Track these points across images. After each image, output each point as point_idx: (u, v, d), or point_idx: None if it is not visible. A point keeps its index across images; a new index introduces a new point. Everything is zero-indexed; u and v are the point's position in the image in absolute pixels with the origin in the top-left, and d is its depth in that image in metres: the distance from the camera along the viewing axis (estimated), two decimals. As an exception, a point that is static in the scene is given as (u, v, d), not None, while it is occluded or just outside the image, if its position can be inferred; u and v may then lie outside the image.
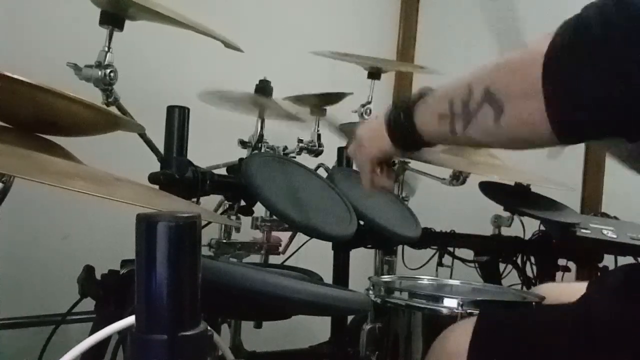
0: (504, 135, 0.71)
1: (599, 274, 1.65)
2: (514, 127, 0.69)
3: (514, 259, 1.83)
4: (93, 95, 1.08)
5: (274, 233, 1.47)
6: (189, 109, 1.18)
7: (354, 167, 1.45)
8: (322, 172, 1.51)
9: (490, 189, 1.80)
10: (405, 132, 0.85)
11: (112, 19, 1.16)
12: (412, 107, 0.84)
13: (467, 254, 1.82)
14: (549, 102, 0.63)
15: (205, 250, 1.32)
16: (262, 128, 1.48)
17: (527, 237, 1.86)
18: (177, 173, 1.14)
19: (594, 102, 0.61)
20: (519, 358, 0.81)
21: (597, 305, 0.78)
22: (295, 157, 1.59)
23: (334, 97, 1.73)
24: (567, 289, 0.98)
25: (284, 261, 1.54)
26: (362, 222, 1.29)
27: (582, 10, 0.62)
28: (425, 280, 1.37)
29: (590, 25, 0.61)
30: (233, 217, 1.31)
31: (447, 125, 0.77)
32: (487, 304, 1.10)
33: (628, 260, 1.62)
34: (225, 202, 1.36)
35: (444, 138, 0.81)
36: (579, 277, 1.74)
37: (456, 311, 1.08)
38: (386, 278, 1.35)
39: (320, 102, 1.69)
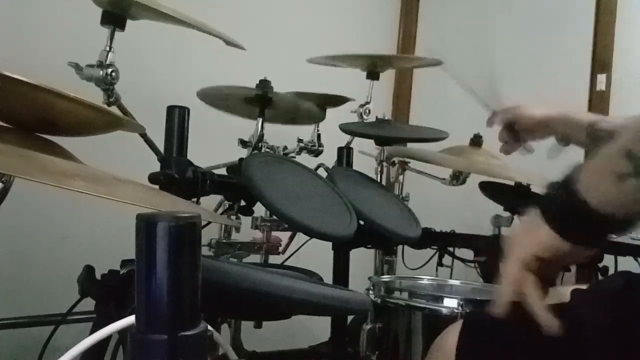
0: None
1: (598, 273, 1.64)
2: None
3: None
4: (94, 95, 1.08)
5: (274, 233, 1.47)
6: (189, 109, 1.18)
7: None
8: (322, 172, 1.51)
9: (490, 189, 1.80)
10: (569, 209, 0.65)
11: (114, 19, 1.16)
12: (573, 179, 0.65)
13: (467, 254, 1.82)
14: None
15: (205, 250, 1.33)
16: (262, 128, 1.48)
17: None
18: (177, 173, 1.14)
19: None
20: (507, 357, 0.81)
21: (592, 309, 0.78)
22: (295, 157, 1.59)
23: (336, 100, 1.73)
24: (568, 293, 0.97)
25: (284, 261, 1.54)
26: (362, 222, 1.29)
27: None
28: (425, 280, 1.37)
29: None
30: (233, 217, 1.31)
31: (633, 184, 0.58)
32: (487, 304, 1.10)
33: (628, 260, 1.62)
34: (225, 202, 1.36)
35: (633, 204, 0.60)
36: (579, 277, 1.74)
37: (456, 311, 1.08)
38: (386, 278, 1.35)
39: (322, 102, 1.69)
